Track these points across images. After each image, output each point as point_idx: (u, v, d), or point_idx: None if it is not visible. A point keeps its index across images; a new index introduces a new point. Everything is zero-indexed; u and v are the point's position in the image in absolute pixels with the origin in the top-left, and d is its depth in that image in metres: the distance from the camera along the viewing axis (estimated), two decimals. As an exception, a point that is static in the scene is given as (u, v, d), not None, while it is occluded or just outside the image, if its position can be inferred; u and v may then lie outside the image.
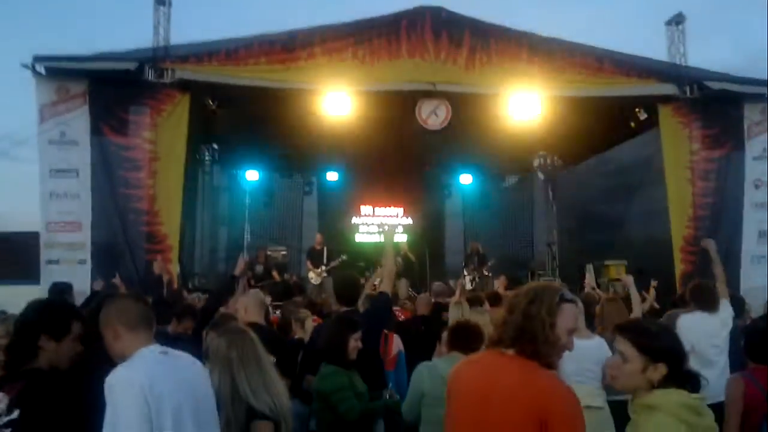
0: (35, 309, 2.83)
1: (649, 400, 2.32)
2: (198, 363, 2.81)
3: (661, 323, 2.86)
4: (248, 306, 4.93)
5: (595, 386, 4.64)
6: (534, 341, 2.19)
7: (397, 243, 15.06)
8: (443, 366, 3.90)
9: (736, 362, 4.99)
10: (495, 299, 6.86)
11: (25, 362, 2.61)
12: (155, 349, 2.60)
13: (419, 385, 4.00)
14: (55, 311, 2.82)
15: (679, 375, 2.37)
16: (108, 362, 2.57)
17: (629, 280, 6.50)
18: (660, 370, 2.34)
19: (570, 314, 2.27)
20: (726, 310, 5.65)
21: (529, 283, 2.51)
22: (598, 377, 4.76)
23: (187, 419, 2.48)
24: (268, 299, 6.80)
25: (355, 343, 4.12)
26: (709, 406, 2.35)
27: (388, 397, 4.25)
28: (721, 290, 5.78)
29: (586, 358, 4.55)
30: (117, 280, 8.11)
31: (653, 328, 2.54)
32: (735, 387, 3.83)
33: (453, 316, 5.71)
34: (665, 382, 2.35)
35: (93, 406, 2.48)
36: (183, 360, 2.69)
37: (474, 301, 6.50)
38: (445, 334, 4.47)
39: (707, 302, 5.49)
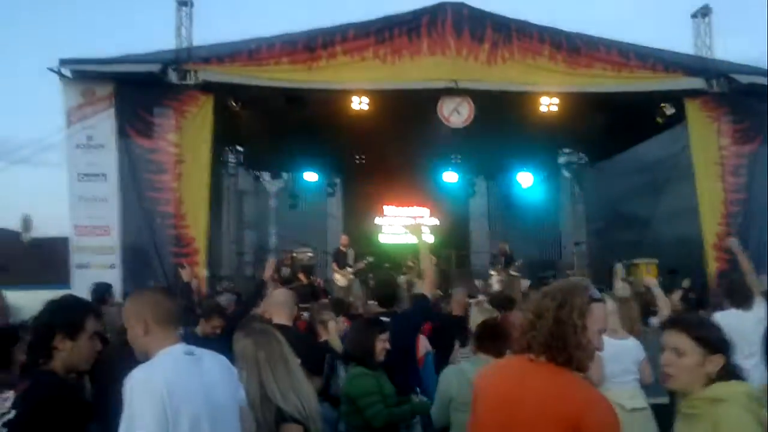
0: (48, 308, 2.74)
1: (713, 393, 2.24)
2: (226, 364, 2.72)
3: (703, 316, 2.77)
4: (273, 307, 4.92)
5: (636, 387, 4.58)
6: (566, 347, 2.10)
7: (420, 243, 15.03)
8: (470, 369, 3.86)
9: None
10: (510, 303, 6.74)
11: (41, 363, 2.54)
12: (180, 349, 2.52)
13: (447, 389, 3.93)
14: (67, 309, 2.73)
15: (730, 367, 2.31)
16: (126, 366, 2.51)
17: (651, 281, 6.44)
18: (717, 362, 2.27)
19: (600, 314, 2.19)
20: (761, 306, 5.53)
21: (555, 283, 2.35)
22: (638, 377, 4.69)
23: (205, 426, 2.41)
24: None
25: (382, 344, 4.08)
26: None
27: (417, 400, 4.17)
28: (753, 286, 5.67)
29: (626, 358, 4.50)
30: None
31: (703, 319, 2.54)
32: None
33: (474, 316, 5.63)
34: (721, 375, 2.28)
35: (94, 414, 2.48)
36: (209, 362, 2.59)
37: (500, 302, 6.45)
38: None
39: (742, 299, 5.37)
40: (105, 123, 9.56)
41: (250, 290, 6.65)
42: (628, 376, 4.51)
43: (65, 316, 2.65)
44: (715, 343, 2.29)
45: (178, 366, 2.43)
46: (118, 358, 3.24)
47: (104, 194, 9.59)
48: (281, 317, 4.75)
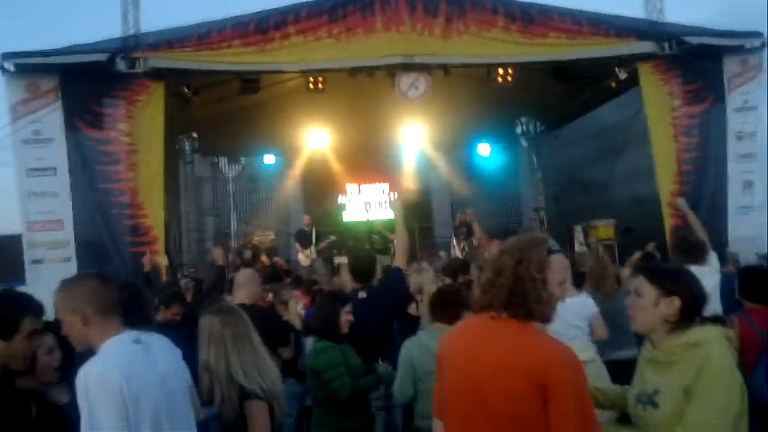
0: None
1: (691, 338, 2.31)
2: (171, 347, 2.64)
3: (680, 267, 2.86)
4: (236, 287, 4.93)
5: (585, 341, 4.76)
6: (526, 302, 2.11)
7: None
8: (428, 339, 3.91)
9: (726, 309, 5.07)
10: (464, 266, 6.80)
11: None
12: (127, 338, 2.41)
13: (408, 361, 3.96)
14: (2, 309, 2.56)
15: (696, 315, 2.38)
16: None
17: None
18: (674, 304, 2.35)
19: (559, 266, 2.23)
20: (713, 260, 5.72)
21: (512, 239, 2.32)
22: (585, 332, 4.89)
23: (164, 415, 2.36)
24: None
25: (346, 317, 4.17)
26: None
27: (382, 369, 4.25)
28: (704, 240, 5.89)
29: (572, 314, 4.68)
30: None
31: (667, 266, 2.66)
32: (731, 327, 3.87)
33: (414, 282, 5.72)
34: (682, 321, 2.34)
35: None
36: (157, 348, 2.51)
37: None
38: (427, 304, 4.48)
39: (695, 254, 5.53)
40: (52, 116, 9.20)
41: (210, 278, 6.61)
42: (576, 331, 4.71)
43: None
44: (670, 286, 2.37)
45: (131, 356, 2.35)
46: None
47: (55, 189, 9.29)
48: (243, 296, 4.77)
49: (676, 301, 2.34)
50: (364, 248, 12.50)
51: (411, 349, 3.98)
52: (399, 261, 5.24)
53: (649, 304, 2.38)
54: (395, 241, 5.46)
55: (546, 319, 2.17)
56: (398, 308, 5.21)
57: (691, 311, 2.37)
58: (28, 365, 2.63)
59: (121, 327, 2.45)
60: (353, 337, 4.30)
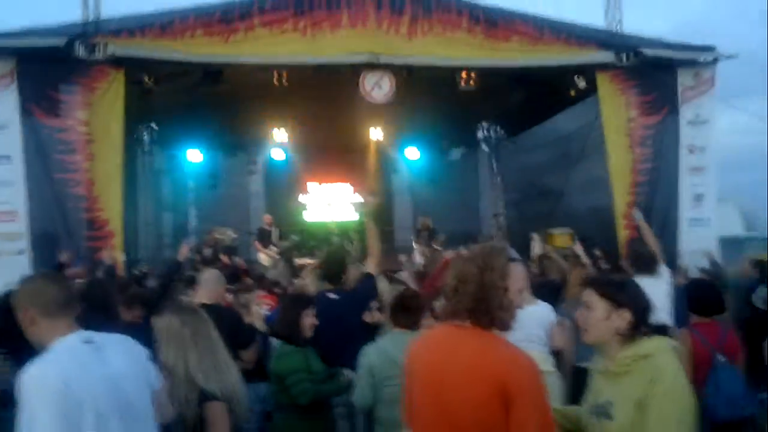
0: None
1: (642, 349, 2.36)
2: (134, 348, 2.57)
3: (626, 277, 2.91)
4: (199, 286, 4.84)
5: (543, 351, 4.76)
6: (489, 309, 2.15)
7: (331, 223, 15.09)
8: (387, 344, 3.93)
9: (679, 321, 5.18)
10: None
11: None
12: (77, 338, 2.35)
13: (367, 366, 3.92)
14: None
15: (644, 325, 2.44)
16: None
17: (578, 247, 6.84)
18: (624, 317, 2.40)
19: (519, 274, 2.27)
20: (664, 272, 5.87)
21: (473, 248, 2.40)
22: (544, 342, 4.89)
23: (113, 418, 2.27)
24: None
25: (310, 320, 4.11)
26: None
27: (344, 377, 4.20)
28: (657, 253, 6.03)
29: (532, 323, 4.66)
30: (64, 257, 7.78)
31: (616, 279, 2.68)
32: (683, 341, 3.98)
33: (381, 288, 5.65)
34: (632, 332, 2.40)
35: None
36: (112, 349, 2.43)
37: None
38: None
39: (647, 266, 5.66)
40: (7, 101, 8.96)
41: (166, 272, 6.52)
42: (533, 339, 4.68)
43: None
44: (620, 299, 2.42)
45: (76, 357, 2.28)
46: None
47: (9, 178, 9.04)
48: (205, 296, 4.69)
49: (627, 314, 2.40)
50: (334, 248, 12.49)
51: (370, 354, 3.95)
52: (371, 266, 5.13)
53: (600, 318, 2.43)
54: (369, 245, 5.37)
55: (506, 326, 2.20)
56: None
57: (640, 322, 2.43)
58: None
59: (72, 327, 2.39)
60: (322, 339, 4.24)
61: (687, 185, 11.01)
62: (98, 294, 4.20)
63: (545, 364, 4.60)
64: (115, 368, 2.37)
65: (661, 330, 2.59)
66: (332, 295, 4.86)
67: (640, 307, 2.44)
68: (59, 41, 9.00)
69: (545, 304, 5.07)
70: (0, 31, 9.07)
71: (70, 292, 2.51)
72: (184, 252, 6.60)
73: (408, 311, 4.05)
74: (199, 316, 3.23)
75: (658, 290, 5.38)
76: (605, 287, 2.48)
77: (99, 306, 4.18)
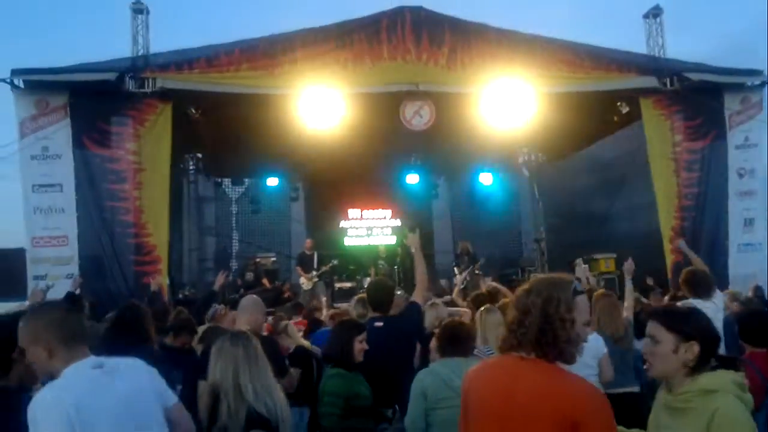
0: (10, 320, 2.62)
1: (703, 384, 2.31)
2: (145, 369, 2.59)
3: (690, 307, 2.84)
4: (240, 311, 4.90)
5: (595, 381, 4.66)
6: (556, 342, 2.10)
7: (380, 246, 15.15)
8: (442, 369, 3.88)
9: (728, 349, 5.04)
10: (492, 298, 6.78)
11: None
12: (88, 363, 2.37)
13: (421, 390, 3.87)
14: None
15: (712, 357, 2.38)
16: None
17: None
18: (693, 349, 2.34)
19: (584, 307, 2.21)
20: (718, 296, 5.72)
21: (537, 278, 2.35)
22: (595, 372, 4.79)
23: None
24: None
25: (360, 345, 4.12)
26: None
27: (391, 414, 4.19)
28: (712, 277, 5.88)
29: (587, 354, 4.55)
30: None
31: (682, 310, 2.60)
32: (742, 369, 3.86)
33: (429, 317, 5.63)
34: (700, 364, 2.34)
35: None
36: (124, 371, 2.46)
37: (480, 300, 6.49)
38: (433, 340, 4.42)
39: (702, 289, 5.52)
40: (61, 133, 9.35)
41: (201, 300, 6.66)
42: (588, 370, 4.57)
43: None
44: (688, 331, 2.36)
45: (86, 382, 2.31)
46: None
47: (61, 205, 9.40)
48: (244, 322, 4.75)
49: (695, 346, 2.34)
50: (382, 277, 12.67)
51: (423, 379, 3.91)
52: (417, 295, 5.13)
53: (668, 351, 2.37)
54: (417, 277, 5.35)
55: (571, 360, 2.16)
56: (414, 340, 5.16)
57: (709, 353, 2.37)
58: None
59: (86, 355, 2.41)
60: (369, 366, 4.24)
61: (737, 210, 10.80)
62: (128, 318, 4.29)
63: None
64: (125, 390, 2.39)
65: (729, 362, 2.51)
66: (378, 323, 4.87)
67: (708, 338, 2.37)
68: (110, 76, 9.37)
69: (596, 334, 4.99)
70: (54, 67, 9.45)
71: (84, 321, 2.55)
72: (220, 281, 6.76)
73: (457, 341, 4.01)
74: (250, 340, 3.31)
75: (709, 314, 5.27)
76: (672, 319, 2.41)
77: (128, 330, 4.27)
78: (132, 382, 2.44)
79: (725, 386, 2.29)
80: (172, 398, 2.67)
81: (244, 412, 3.00)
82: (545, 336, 2.11)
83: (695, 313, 2.53)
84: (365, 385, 4.10)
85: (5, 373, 2.48)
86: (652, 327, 2.44)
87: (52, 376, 2.34)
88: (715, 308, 5.43)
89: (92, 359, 2.40)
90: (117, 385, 2.38)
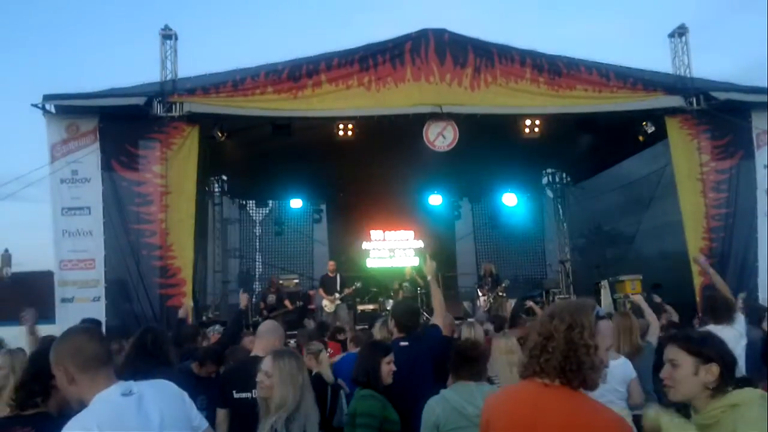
0: (49, 346, 2.57)
1: (730, 400, 2.32)
2: (173, 392, 2.58)
3: (706, 330, 2.86)
4: (258, 336, 4.88)
5: (622, 407, 4.59)
6: (580, 369, 2.06)
7: (404, 268, 15.11)
8: (452, 396, 3.80)
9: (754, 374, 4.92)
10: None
11: (35, 401, 2.47)
12: (116, 390, 2.35)
13: (432, 418, 3.76)
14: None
15: (732, 378, 2.39)
16: None
17: (639, 299, 6.61)
18: (713, 371, 2.36)
19: (606, 332, 2.20)
20: (740, 321, 5.59)
21: (559, 303, 2.31)
22: (624, 397, 4.71)
23: None
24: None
25: (388, 367, 4.06)
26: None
27: None
28: (730, 300, 5.76)
29: (613, 377, 4.48)
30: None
31: (699, 333, 2.66)
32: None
33: (464, 335, 5.58)
34: (721, 386, 2.35)
35: None
36: (152, 396, 2.43)
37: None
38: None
39: (722, 314, 5.41)
40: (90, 157, 9.51)
41: (230, 323, 6.66)
42: (614, 395, 4.53)
43: None
44: (708, 353, 2.38)
45: (115, 411, 2.28)
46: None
47: (89, 227, 9.52)
48: (262, 348, 4.73)
49: (715, 368, 2.36)
50: (409, 298, 12.69)
51: (434, 407, 3.77)
52: (438, 319, 5.11)
53: (688, 374, 2.40)
54: (433, 299, 5.34)
55: (594, 386, 2.12)
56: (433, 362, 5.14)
57: (728, 375, 2.38)
58: None
59: (110, 380, 2.38)
60: (396, 386, 4.18)
61: (766, 230, 10.59)
62: (149, 341, 4.29)
63: (628, 419, 4.43)
64: (156, 418, 2.37)
65: (747, 381, 2.51)
66: (404, 343, 4.84)
67: (727, 359, 2.40)
68: (139, 100, 9.53)
69: (624, 358, 4.90)
70: (84, 92, 9.65)
71: (107, 346, 2.50)
72: (244, 301, 6.80)
73: (470, 362, 3.92)
74: (303, 362, 3.37)
75: (730, 340, 5.15)
76: (690, 343, 2.45)
77: (149, 353, 4.26)
78: (162, 408, 2.42)
79: (750, 400, 2.31)
80: (203, 423, 2.66)
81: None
82: (569, 362, 2.07)
83: (711, 336, 2.56)
84: (392, 409, 4.02)
85: (44, 400, 2.48)
86: (672, 351, 2.47)
87: (83, 404, 2.32)
88: (736, 334, 5.31)
89: (120, 385, 2.38)
90: (146, 412, 2.36)
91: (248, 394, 3.82)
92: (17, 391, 2.55)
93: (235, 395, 3.85)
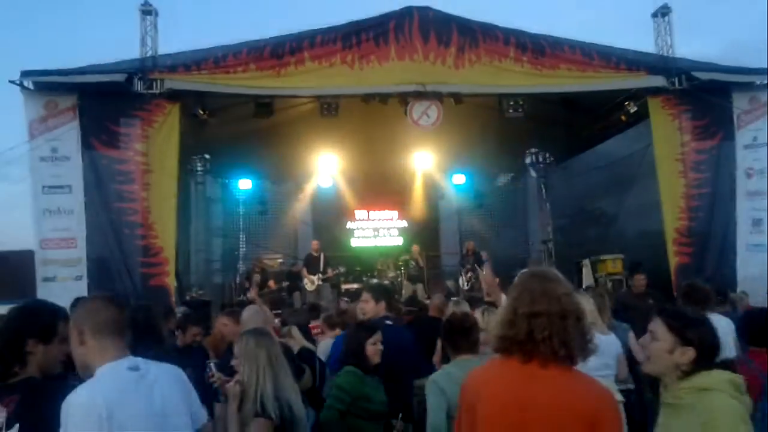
0: (18, 314, 2.63)
1: (698, 382, 2.33)
2: (179, 377, 2.58)
3: (702, 314, 2.80)
4: (243, 324, 4.88)
5: (612, 381, 4.67)
6: (567, 341, 2.06)
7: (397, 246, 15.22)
8: (455, 370, 3.69)
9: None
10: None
11: (14, 370, 2.45)
12: (124, 364, 2.35)
13: (437, 389, 3.65)
14: (39, 314, 2.62)
15: (707, 365, 2.39)
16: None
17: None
18: (688, 355, 2.36)
19: (589, 306, 2.24)
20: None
21: (530, 274, 2.29)
22: (614, 371, 4.80)
23: None
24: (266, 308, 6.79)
25: (374, 347, 4.05)
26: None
27: (397, 427, 4.03)
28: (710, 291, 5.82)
29: (606, 352, 4.54)
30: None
31: (689, 314, 2.57)
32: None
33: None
34: (694, 370, 2.36)
35: None
36: (157, 377, 2.44)
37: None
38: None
39: (701, 303, 5.46)
40: (69, 134, 9.37)
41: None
42: (607, 370, 4.59)
43: (38, 321, 2.57)
44: (688, 336, 2.38)
45: (120, 384, 2.29)
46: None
47: (70, 206, 9.41)
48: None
49: (691, 352, 2.36)
50: (412, 277, 13.51)
51: (441, 384, 3.65)
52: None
53: (663, 351, 2.41)
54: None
55: (581, 359, 2.13)
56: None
57: (704, 361, 2.38)
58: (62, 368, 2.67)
59: (121, 351, 2.39)
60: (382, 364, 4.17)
61: (745, 210, 10.73)
62: (141, 319, 4.29)
63: (617, 394, 4.51)
64: (160, 400, 2.38)
65: (724, 365, 2.52)
66: (389, 322, 4.87)
67: (706, 346, 2.39)
68: (119, 77, 9.38)
69: (614, 336, 4.98)
70: (63, 68, 9.47)
71: (124, 317, 2.51)
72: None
73: (466, 333, 3.88)
74: (272, 340, 3.39)
75: (727, 327, 5.21)
76: (675, 321, 2.44)
77: (142, 331, 4.26)
78: (168, 393, 2.43)
79: (720, 385, 2.31)
80: (203, 417, 2.68)
81: (252, 411, 3.10)
82: (556, 335, 2.07)
83: (700, 320, 2.52)
84: (381, 391, 4.01)
85: (22, 368, 2.47)
86: (655, 323, 2.47)
87: (88, 369, 2.34)
88: (720, 323, 5.34)
89: (129, 359, 2.39)
90: (152, 391, 2.37)
91: None
92: None
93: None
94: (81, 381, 2.34)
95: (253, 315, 4.89)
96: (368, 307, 5.01)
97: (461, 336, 3.90)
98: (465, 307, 5.80)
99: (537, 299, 2.12)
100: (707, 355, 2.39)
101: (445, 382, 3.67)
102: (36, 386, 2.45)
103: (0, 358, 2.49)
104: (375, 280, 13.45)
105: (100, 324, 2.37)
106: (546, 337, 2.07)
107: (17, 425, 2.29)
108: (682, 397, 2.31)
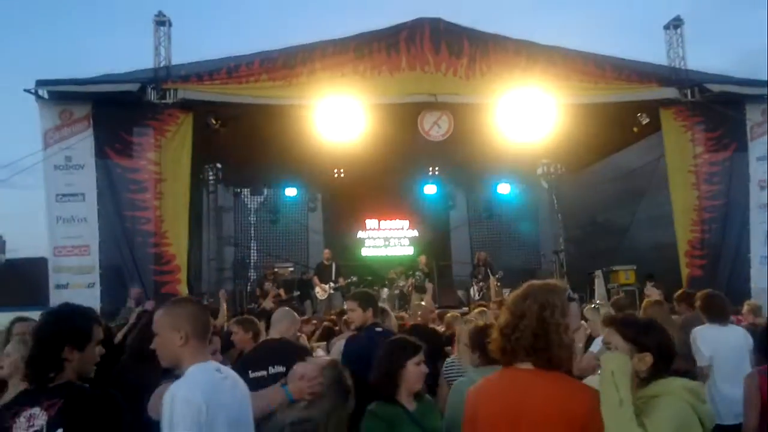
0: (52, 319, 2.70)
1: (652, 390, 2.31)
2: (242, 382, 2.73)
3: (650, 319, 2.81)
4: (273, 324, 4.87)
5: None
6: (549, 348, 2.11)
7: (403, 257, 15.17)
8: (479, 378, 3.47)
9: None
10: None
11: (51, 375, 2.50)
12: (211, 366, 2.54)
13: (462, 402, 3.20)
14: (74, 319, 2.68)
15: (666, 370, 2.37)
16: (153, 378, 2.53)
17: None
18: (646, 360, 2.34)
19: (576, 313, 2.26)
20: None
21: (531, 284, 2.31)
22: None
23: None
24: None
25: (416, 368, 3.34)
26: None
27: None
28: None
29: None
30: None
31: (641, 321, 2.59)
32: (750, 382, 3.81)
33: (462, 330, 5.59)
34: (652, 377, 2.34)
35: (134, 422, 2.50)
36: (232, 380, 2.63)
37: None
38: (463, 344, 4.27)
39: (718, 314, 5.40)
40: (84, 143, 9.50)
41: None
42: None
43: (73, 327, 2.64)
44: (644, 342, 2.36)
45: (214, 384, 2.45)
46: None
47: (83, 214, 9.53)
48: (274, 333, 4.75)
49: (648, 358, 2.34)
50: (418, 287, 13.28)
51: (461, 390, 3.19)
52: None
53: None
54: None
55: (567, 365, 2.15)
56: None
57: (662, 366, 2.37)
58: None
59: (207, 354, 2.60)
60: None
61: (758, 222, 10.65)
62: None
63: None
64: (241, 398, 2.59)
65: (684, 373, 2.49)
66: (379, 329, 4.71)
67: (664, 351, 2.37)
68: (133, 87, 9.51)
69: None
70: (77, 78, 9.61)
71: (211, 321, 2.70)
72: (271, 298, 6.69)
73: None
74: None
75: (728, 339, 5.15)
76: (628, 330, 2.41)
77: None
78: (241, 395, 2.62)
79: (671, 390, 2.30)
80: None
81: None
82: (539, 341, 2.12)
83: (652, 325, 2.52)
84: (432, 416, 3.42)
85: (58, 374, 2.53)
86: (609, 333, 2.45)
87: (177, 366, 2.51)
88: (732, 334, 5.25)
89: (212, 362, 2.58)
90: (235, 394, 2.56)
91: (263, 372, 3.89)
92: (28, 367, 2.59)
93: (251, 375, 3.85)
94: (177, 377, 2.47)
95: (284, 316, 4.89)
96: (356, 316, 4.77)
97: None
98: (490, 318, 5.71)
99: (525, 308, 2.19)
100: (665, 359, 2.37)
101: (468, 387, 3.54)
102: (80, 392, 2.53)
103: (37, 363, 2.55)
104: (360, 290, 13.39)
105: (200, 328, 2.55)
106: (528, 344, 2.13)
107: (60, 430, 2.37)
108: (639, 407, 2.27)
